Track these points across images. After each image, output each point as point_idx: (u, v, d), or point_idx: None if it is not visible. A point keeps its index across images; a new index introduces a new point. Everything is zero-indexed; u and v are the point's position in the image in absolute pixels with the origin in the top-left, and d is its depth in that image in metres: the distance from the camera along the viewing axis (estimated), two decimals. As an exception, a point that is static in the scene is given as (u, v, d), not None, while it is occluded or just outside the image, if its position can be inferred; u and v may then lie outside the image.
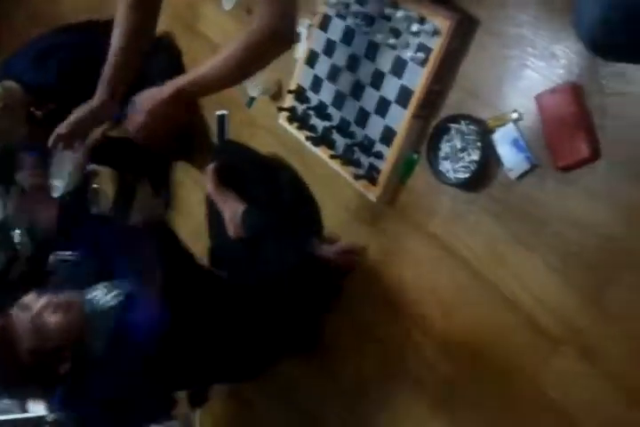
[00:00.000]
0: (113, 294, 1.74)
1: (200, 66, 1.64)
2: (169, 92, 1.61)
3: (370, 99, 1.86)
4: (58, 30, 2.63)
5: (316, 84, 2.03)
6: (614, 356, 1.38)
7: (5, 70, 2.49)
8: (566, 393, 1.44)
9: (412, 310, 1.78)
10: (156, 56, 2.68)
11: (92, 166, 2.49)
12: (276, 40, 1.57)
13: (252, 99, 2.34)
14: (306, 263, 1.88)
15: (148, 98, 1.63)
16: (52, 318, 1.64)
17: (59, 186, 2.53)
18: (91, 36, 2.53)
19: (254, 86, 2.27)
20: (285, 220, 2.02)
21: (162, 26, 2.80)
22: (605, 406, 1.38)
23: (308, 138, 2.03)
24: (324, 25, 1.98)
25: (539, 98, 1.49)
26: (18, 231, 2.72)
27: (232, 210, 2.08)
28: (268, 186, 2.11)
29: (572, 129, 1.43)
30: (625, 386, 1.35)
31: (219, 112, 2.49)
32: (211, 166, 2.19)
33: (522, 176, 1.53)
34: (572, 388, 1.43)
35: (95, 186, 3.12)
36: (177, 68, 2.73)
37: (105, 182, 3.11)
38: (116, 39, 1.83)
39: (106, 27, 2.68)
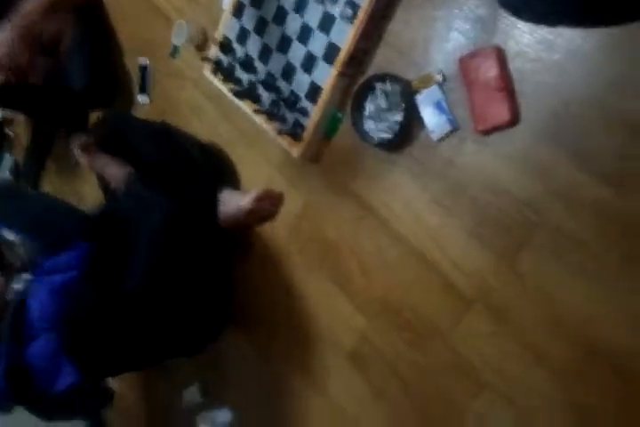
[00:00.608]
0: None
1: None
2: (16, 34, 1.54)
3: (297, 54, 1.83)
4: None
5: (243, 35, 1.98)
6: (523, 315, 1.43)
7: None
8: (476, 351, 1.49)
9: (332, 268, 1.80)
10: None
11: (2, 111, 2.37)
12: None
13: (176, 48, 2.27)
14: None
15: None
16: None
17: None
18: None
19: (179, 34, 2.20)
20: (179, 178, 1.98)
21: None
22: (512, 364, 1.44)
23: (232, 91, 1.99)
24: (253, -25, 1.93)
25: (462, 60, 1.49)
26: None
27: (115, 177, 2.05)
28: (158, 148, 2.06)
29: (492, 93, 1.45)
30: (531, 344, 1.41)
31: (141, 61, 2.41)
32: (81, 142, 2.13)
33: (443, 138, 1.54)
34: (481, 346, 1.48)
35: (9, 133, 3.00)
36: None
37: (20, 130, 3.00)
38: None
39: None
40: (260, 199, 1.89)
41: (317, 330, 1.84)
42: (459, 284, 1.53)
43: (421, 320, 1.60)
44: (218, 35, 2.05)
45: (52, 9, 1.58)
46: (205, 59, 2.08)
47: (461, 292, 1.52)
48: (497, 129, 1.45)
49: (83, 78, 2.39)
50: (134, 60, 2.43)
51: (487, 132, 1.47)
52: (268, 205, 1.91)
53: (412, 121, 1.59)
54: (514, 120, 1.43)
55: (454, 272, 1.54)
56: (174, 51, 2.29)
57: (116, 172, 2.07)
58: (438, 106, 1.54)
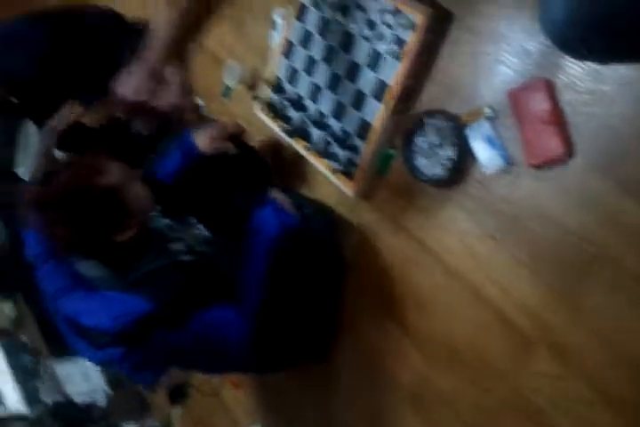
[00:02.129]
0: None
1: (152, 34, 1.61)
2: (142, 72, 1.60)
3: (346, 91, 1.84)
4: (28, 18, 2.58)
5: (293, 75, 2.01)
6: (587, 353, 1.39)
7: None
8: (541, 393, 1.46)
9: (387, 305, 1.79)
10: (131, 41, 2.65)
11: (61, 154, 2.44)
12: None
13: (229, 88, 2.32)
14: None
15: (128, 80, 1.61)
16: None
17: (24, 169, 2.51)
18: (60, 25, 2.49)
19: (230, 75, 2.25)
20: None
21: (136, 10, 2.77)
22: (579, 405, 1.39)
23: (283, 129, 2.02)
24: (301, 15, 1.95)
25: (511, 94, 1.48)
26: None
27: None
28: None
29: (544, 126, 1.43)
30: (597, 384, 1.37)
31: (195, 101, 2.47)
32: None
33: (496, 173, 1.53)
34: (546, 388, 1.45)
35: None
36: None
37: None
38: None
39: (76, 13, 2.66)
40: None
41: (377, 370, 1.82)
42: (518, 321, 1.50)
43: (482, 360, 1.57)
44: (268, 74, 2.08)
45: (172, 51, 1.62)
46: (256, 98, 2.11)
47: (522, 330, 1.49)
48: (550, 162, 1.43)
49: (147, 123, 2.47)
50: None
51: (540, 166, 1.45)
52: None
53: (463, 156, 1.58)
54: (567, 153, 1.41)
55: (513, 309, 1.51)
56: (226, 91, 2.33)
57: None
58: (489, 141, 1.52)
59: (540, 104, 1.43)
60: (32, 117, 2.60)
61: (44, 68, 2.39)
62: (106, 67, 2.58)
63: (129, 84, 1.59)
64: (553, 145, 1.42)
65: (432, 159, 1.65)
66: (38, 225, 1.56)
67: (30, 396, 2.54)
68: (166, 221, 1.75)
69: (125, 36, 2.66)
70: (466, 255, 1.60)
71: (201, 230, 1.76)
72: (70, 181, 1.54)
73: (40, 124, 2.57)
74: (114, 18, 2.73)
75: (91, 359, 1.69)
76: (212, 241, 1.74)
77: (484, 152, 1.54)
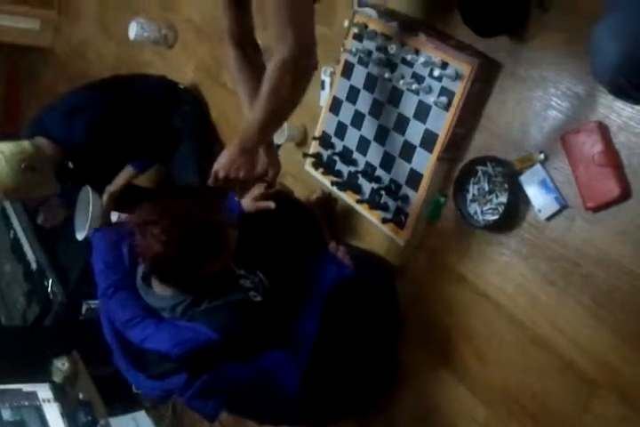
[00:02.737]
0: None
1: (248, 117, 1.71)
2: (236, 150, 1.66)
3: (394, 143, 1.87)
4: (86, 87, 2.70)
5: (341, 130, 2.05)
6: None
7: (37, 127, 2.56)
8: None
9: (447, 356, 1.75)
10: (182, 108, 2.75)
11: (117, 215, 2.51)
12: (300, 66, 1.61)
13: (278, 146, 2.37)
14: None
15: (224, 159, 1.69)
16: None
17: (81, 231, 2.58)
18: (115, 94, 2.60)
19: (280, 134, 2.30)
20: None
21: (187, 78, 2.88)
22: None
23: (333, 183, 2.04)
24: (347, 72, 2.01)
25: (564, 138, 1.49)
26: (51, 280, 2.75)
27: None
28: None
29: (599, 168, 1.43)
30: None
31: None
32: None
33: (551, 217, 1.52)
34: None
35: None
36: (203, 118, 2.79)
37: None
38: (246, 85, 1.88)
39: (130, 82, 2.77)
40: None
41: (437, 421, 1.77)
42: (581, 367, 1.46)
43: (545, 407, 1.52)
44: (317, 131, 2.13)
45: (265, 134, 1.72)
46: (306, 155, 2.15)
47: (585, 375, 1.45)
48: (607, 205, 1.42)
49: (192, 178, 2.53)
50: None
51: (597, 209, 1.44)
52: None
53: (517, 201, 1.58)
54: (624, 195, 1.40)
55: (575, 355, 1.47)
56: (276, 149, 2.38)
57: None
58: (543, 185, 1.52)
59: (593, 147, 1.43)
60: (88, 182, 2.68)
61: (99, 133, 2.48)
62: (158, 132, 2.68)
63: (222, 161, 1.68)
64: (609, 187, 1.41)
65: (485, 205, 1.65)
66: (141, 242, 1.59)
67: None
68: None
69: (176, 102, 2.77)
70: (526, 302, 1.57)
71: (260, 276, 1.78)
72: (185, 211, 1.60)
73: (97, 188, 2.65)
74: (165, 85, 2.84)
75: (152, 391, 1.70)
76: (271, 288, 1.76)
77: (538, 196, 1.54)
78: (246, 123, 1.70)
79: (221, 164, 1.69)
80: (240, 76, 1.89)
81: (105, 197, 2.51)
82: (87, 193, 2.56)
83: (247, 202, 1.88)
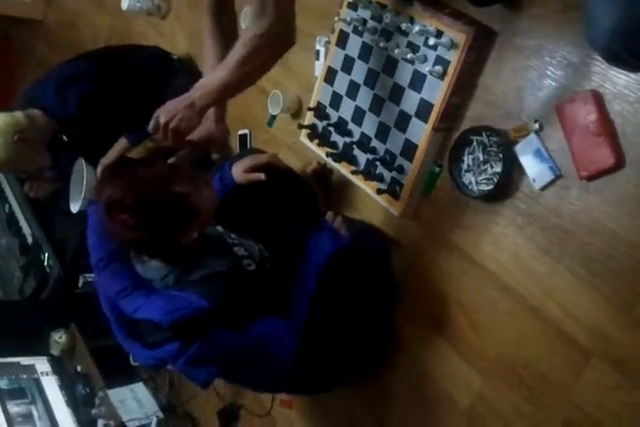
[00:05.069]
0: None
1: (209, 76, 1.68)
2: (185, 103, 1.64)
3: (390, 113, 1.86)
4: (78, 59, 2.67)
5: (336, 100, 2.04)
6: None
7: (30, 98, 2.54)
8: (601, 406, 1.41)
9: (441, 325, 1.76)
10: (175, 78, 2.72)
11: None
12: (276, 44, 1.62)
13: (273, 117, 2.36)
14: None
15: (170, 106, 1.67)
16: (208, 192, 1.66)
17: (75, 204, 2.57)
18: (108, 64, 2.58)
19: (275, 104, 2.29)
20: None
21: (181, 48, 2.85)
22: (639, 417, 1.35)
23: (328, 154, 2.04)
24: (342, 42, 1.99)
25: (559, 107, 1.48)
26: (47, 253, 2.75)
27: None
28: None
29: (594, 137, 1.42)
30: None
31: (240, 131, 2.51)
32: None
33: (546, 187, 1.52)
34: (606, 401, 1.41)
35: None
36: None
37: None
38: (213, 51, 1.87)
39: (123, 52, 2.75)
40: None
41: (432, 390, 1.79)
42: (575, 335, 1.47)
43: (539, 376, 1.53)
44: (312, 101, 2.12)
45: (224, 95, 1.70)
46: (301, 126, 2.14)
47: (578, 344, 1.46)
48: (601, 174, 1.42)
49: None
50: (234, 132, 2.53)
51: (591, 178, 1.44)
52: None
53: (512, 171, 1.58)
54: (618, 164, 1.39)
55: (569, 323, 1.48)
56: (271, 120, 2.37)
57: None
58: (538, 154, 1.52)
59: (588, 116, 1.43)
60: (82, 155, 2.66)
61: (93, 105, 2.46)
62: (151, 103, 2.66)
63: (168, 108, 1.65)
64: (603, 156, 1.41)
65: (479, 175, 1.64)
66: (111, 227, 1.60)
67: (85, 424, 2.56)
68: (220, 229, 1.79)
69: (170, 73, 2.75)
70: (520, 271, 1.58)
71: (255, 244, 1.78)
72: (147, 187, 1.58)
73: (91, 161, 2.64)
74: (159, 56, 2.81)
75: (147, 360, 1.72)
76: (267, 256, 1.76)
77: (532, 166, 1.53)
78: (206, 80, 1.67)
79: (164, 110, 1.67)
80: (210, 42, 1.88)
81: (99, 169, 2.50)
82: (81, 166, 2.55)
83: (238, 173, 1.87)
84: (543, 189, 1.52)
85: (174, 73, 2.75)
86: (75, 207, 2.60)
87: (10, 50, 4.70)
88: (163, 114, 1.66)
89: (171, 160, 1.83)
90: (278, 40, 1.61)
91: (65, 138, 2.61)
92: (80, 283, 2.71)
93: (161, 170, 1.64)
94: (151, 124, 1.69)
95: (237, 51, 1.60)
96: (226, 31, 1.88)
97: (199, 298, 1.59)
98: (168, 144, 1.75)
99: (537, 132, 1.53)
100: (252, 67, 1.62)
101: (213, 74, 1.66)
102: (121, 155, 2.62)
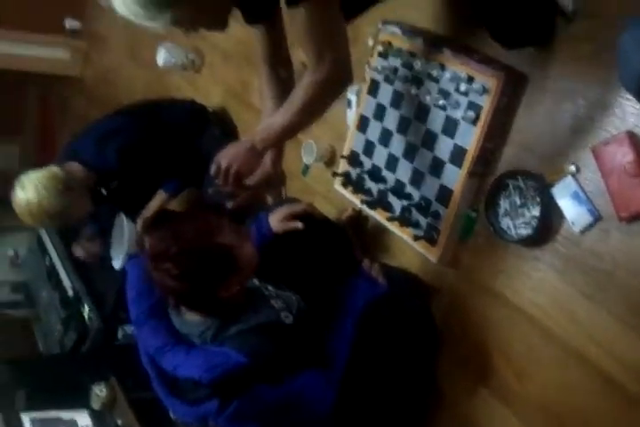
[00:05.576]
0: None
1: (268, 121, 1.71)
2: (246, 146, 1.68)
3: (423, 159, 1.86)
4: (116, 113, 2.75)
5: (369, 148, 2.05)
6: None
7: (69, 152, 2.60)
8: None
9: (484, 374, 1.72)
10: (211, 130, 2.77)
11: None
12: (337, 85, 1.64)
13: (307, 166, 2.38)
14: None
15: (231, 151, 1.71)
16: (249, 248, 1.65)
17: (118, 258, 2.60)
18: (145, 118, 2.64)
19: (309, 154, 2.31)
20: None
21: (215, 100, 2.91)
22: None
23: (363, 201, 2.04)
24: (373, 90, 2.01)
25: (595, 149, 1.47)
26: (87, 306, 2.78)
27: None
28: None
29: (631, 179, 1.40)
30: None
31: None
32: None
33: (585, 229, 1.50)
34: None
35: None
36: (232, 140, 2.81)
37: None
38: (271, 99, 1.89)
39: (159, 106, 2.81)
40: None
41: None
42: (621, 380, 1.42)
43: (587, 424, 1.48)
44: (345, 150, 2.13)
45: (283, 139, 1.76)
46: (335, 174, 2.15)
47: (625, 388, 1.41)
48: (641, 215, 1.40)
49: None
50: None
51: (631, 219, 1.42)
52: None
53: (550, 214, 1.56)
54: (658, 204, 1.37)
55: (614, 368, 1.44)
56: (305, 169, 2.39)
57: None
58: (576, 197, 1.50)
59: (624, 157, 1.41)
60: (121, 208, 2.71)
61: (132, 157, 2.51)
62: (187, 155, 2.71)
63: (229, 153, 1.69)
64: (642, 197, 1.39)
65: (517, 219, 1.63)
66: (155, 276, 1.60)
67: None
68: (256, 281, 1.78)
69: (205, 125, 2.80)
70: (562, 316, 1.55)
71: (292, 295, 1.77)
72: (191, 238, 1.59)
73: (130, 214, 2.68)
74: (194, 109, 2.88)
75: (187, 417, 1.70)
76: (304, 308, 1.75)
77: (571, 209, 1.52)
78: (266, 124, 1.70)
79: (225, 154, 1.70)
80: (267, 90, 1.91)
81: (139, 222, 2.54)
82: (122, 221, 2.59)
83: (275, 222, 1.88)
84: (583, 231, 1.50)
85: (209, 125, 2.81)
86: (117, 263, 2.62)
87: (49, 107, 4.84)
88: (224, 158, 1.69)
89: (230, 205, 1.85)
90: (338, 84, 1.63)
91: (104, 191, 2.66)
92: (119, 335, 2.72)
93: (205, 222, 1.65)
94: (212, 168, 1.72)
95: (298, 97, 1.62)
96: (282, 79, 1.90)
97: (238, 353, 1.57)
98: (227, 189, 1.78)
99: (573, 175, 1.52)
100: (312, 110, 1.65)
101: (273, 119, 1.69)
102: (161, 207, 2.67)
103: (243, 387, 1.58)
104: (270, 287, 1.78)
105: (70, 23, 4.28)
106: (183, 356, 1.62)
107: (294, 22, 1.54)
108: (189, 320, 1.69)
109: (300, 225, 1.86)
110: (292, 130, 1.69)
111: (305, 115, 1.64)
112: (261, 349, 1.61)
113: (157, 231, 1.62)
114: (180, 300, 1.67)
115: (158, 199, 2.68)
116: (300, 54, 1.67)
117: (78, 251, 2.97)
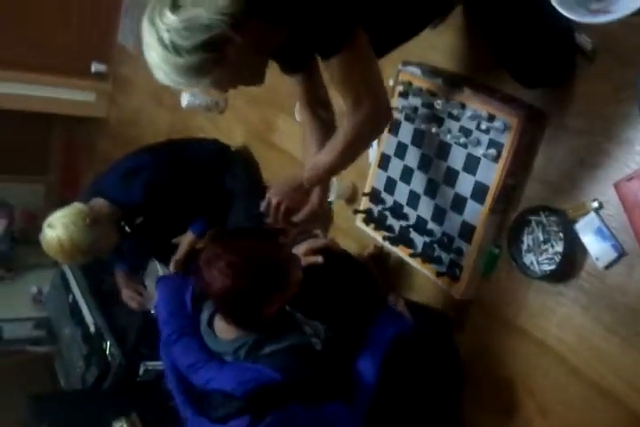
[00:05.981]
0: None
1: (316, 159, 1.74)
2: (294, 185, 1.74)
3: (445, 196, 1.88)
4: (140, 151, 2.79)
5: (390, 185, 2.07)
6: None
7: (94, 190, 2.64)
8: None
9: (509, 410, 1.71)
10: (234, 169, 2.81)
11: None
12: (377, 126, 1.67)
13: (330, 203, 2.40)
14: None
15: (280, 189, 1.76)
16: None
17: (153, 304, 2.60)
18: (170, 156, 2.68)
19: (330, 191, 2.33)
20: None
21: (238, 140, 2.96)
22: None
23: (385, 238, 2.05)
24: (394, 129, 2.04)
25: (617, 185, 1.48)
26: (109, 342, 2.78)
27: None
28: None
29: (656, 214, 1.41)
30: None
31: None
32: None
33: (609, 265, 1.50)
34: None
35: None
36: (255, 179, 2.85)
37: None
38: (314, 141, 1.90)
39: (183, 145, 2.86)
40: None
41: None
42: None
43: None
44: (366, 187, 2.16)
45: (329, 177, 1.82)
46: (357, 211, 2.18)
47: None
48: (666, 250, 1.40)
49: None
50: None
51: (656, 255, 1.42)
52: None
53: (574, 250, 1.56)
54: (683, 239, 1.38)
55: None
56: (328, 205, 2.41)
57: None
58: (599, 233, 1.51)
59: (647, 192, 1.42)
60: (146, 244, 2.73)
61: (156, 193, 2.54)
62: (211, 193, 2.75)
63: (278, 190, 1.73)
64: (666, 232, 1.40)
65: (541, 255, 1.63)
66: (208, 275, 1.60)
67: None
68: (288, 307, 1.79)
69: (228, 164, 2.84)
70: (588, 352, 1.54)
71: (319, 324, 1.78)
72: (251, 246, 1.63)
73: (156, 252, 2.69)
74: (218, 148, 2.92)
75: None
76: (331, 336, 1.76)
77: (594, 245, 1.52)
78: (313, 164, 1.74)
79: (275, 192, 1.75)
80: (311, 134, 1.94)
81: (172, 265, 2.57)
82: (155, 266, 2.62)
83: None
84: (607, 267, 1.50)
85: (232, 164, 2.85)
86: (151, 303, 2.62)
87: (74, 147, 4.94)
88: (274, 196, 1.74)
89: (282, 239, 1.89)
90: (377, 125, 1.66)
91: (127, 229, 2.69)
92: (141, 371, 2.72)
93: (261, 237, 1.70)
94: (263, 206, 1.76)
95: (342, 138, 1.65)
96: (324, 119, 1.94)
97: (272, 370, 1.57)
98: (279, 226, 1.82)
99: (596, 211, 1.53)
100: (355, 149, 1.69)
101: (318, 158, 1.72)
102: (191, 248, 2.69)
103: (275, 403, 1.56)
104: (299, 315, 1.79)
105: (97, 66, 4.38)
106: (216, 370, 1.63)
107: (329, 70, 1.57)
108: (223, 339, 1.69)
109: (320, 259, 1.88)
110: (336, 169, 1.74)
111: (348, 155, 1.68)
112: (295, 368, 1.61)
113: (218, 242, 1.65)
114: (224, 301, 1.65)
115: (187, 240, 2.71)
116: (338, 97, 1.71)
117: (131, 302, 2.93)
